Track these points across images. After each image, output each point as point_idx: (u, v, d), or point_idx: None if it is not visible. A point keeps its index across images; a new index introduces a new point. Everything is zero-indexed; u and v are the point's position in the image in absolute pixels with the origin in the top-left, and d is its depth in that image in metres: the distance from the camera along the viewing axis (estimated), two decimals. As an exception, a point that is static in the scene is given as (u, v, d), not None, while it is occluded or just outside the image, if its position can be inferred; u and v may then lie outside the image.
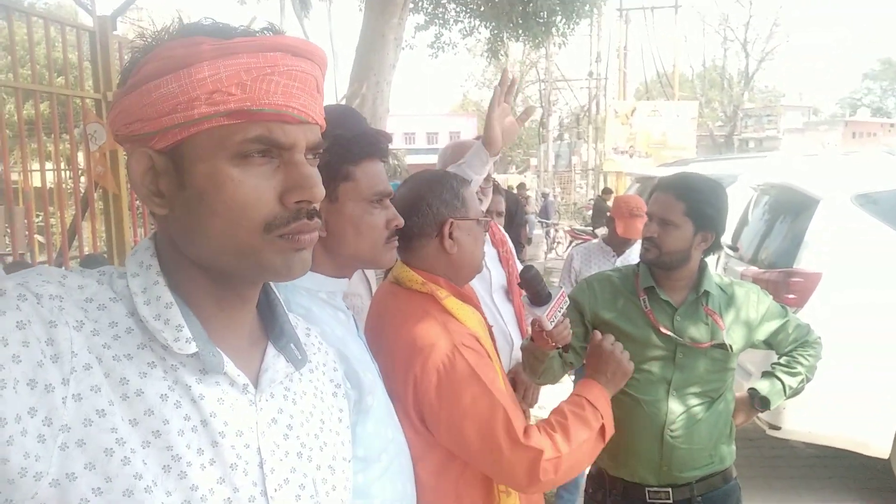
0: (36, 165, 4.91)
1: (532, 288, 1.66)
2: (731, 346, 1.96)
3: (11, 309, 0.60)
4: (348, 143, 1.25)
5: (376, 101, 8.15)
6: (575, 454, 1.41)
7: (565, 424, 1.43)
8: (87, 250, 5.17)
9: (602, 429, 1.48)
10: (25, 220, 4.74)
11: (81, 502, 0.61)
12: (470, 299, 1.61)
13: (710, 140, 34.60)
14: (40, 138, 4.72)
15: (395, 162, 15.08)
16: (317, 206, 0.72)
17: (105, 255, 4.98)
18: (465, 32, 9.25)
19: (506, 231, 2.75)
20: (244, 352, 0.77)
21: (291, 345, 0.81)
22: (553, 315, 1.65)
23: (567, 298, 1.71)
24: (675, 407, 1.95)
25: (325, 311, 1.20)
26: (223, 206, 0.68)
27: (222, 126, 0.68)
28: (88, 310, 0.67)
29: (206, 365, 0.70)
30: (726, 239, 4.88)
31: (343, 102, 8.89)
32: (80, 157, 5.09)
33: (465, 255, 1.55)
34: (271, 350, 0.80)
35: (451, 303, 1.49)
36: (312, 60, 0.72)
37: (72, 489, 0.61)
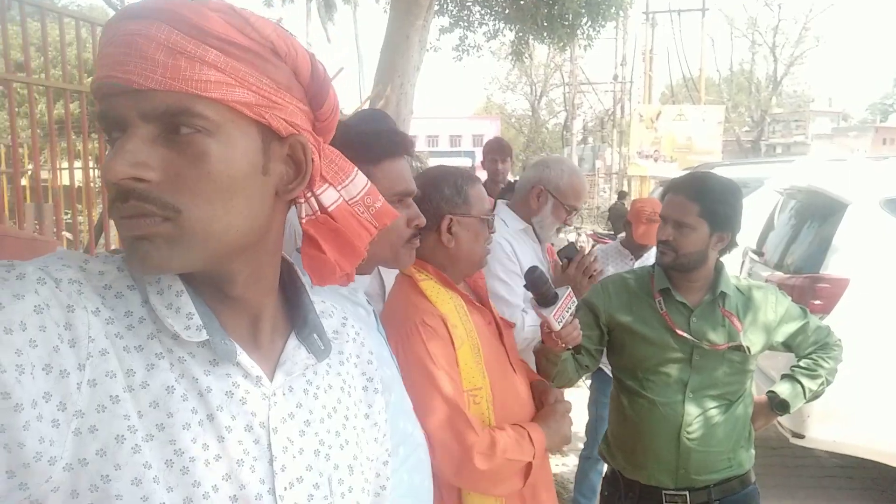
0: (66, 164, 5.03)
1: (537, 289, 1.65)
2: (748, 348, 1.93)
3: (30, 293, 0.59)
4: (368, 143, 1.21)
5: (400, 104, 8.18)
6: (502, 465, 1.42)
7: (504, 435, 1.45)
8: (113, 246, 5.27)
9: (528, 467, 1.47)
10: (54, 217, 4.84)
11: (91, 488, 0.60)
12: (473, 293, 1.64)
13: (737, 145, 34.19)
14: (70, 137, 4.82)
15: (419, 164, 15.14)
16: (138, 186, 0.61)
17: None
18: (489, 35, 9.24)
19: None
20: (263, 343, 0.74)
21: (315, 335, 0.77)
22: (560, 315, 1.64)
23: (574, 298, 1.70)
24: (692, 409, 1.92)
25: (344, 306, 1.20)
26: None
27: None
28: (106, 297, 0.65)
29: (217, 354, 0.68)
30: (751, 244, 4.84)
31: (367, 104, 8.94)
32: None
33: (462, 250, 1.60)
34: (293, 341, 0.76)
35: (428, 285, 1.54)
36: (152, 17, 0.62)
37: (83, 474, 0.60)
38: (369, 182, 0.83)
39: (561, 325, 1.64)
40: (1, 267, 0.61)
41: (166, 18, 0.61)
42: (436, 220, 1.56)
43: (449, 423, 1.40)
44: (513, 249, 2.42)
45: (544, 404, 1.66)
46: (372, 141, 1.23)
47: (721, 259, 2.00)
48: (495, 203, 2.61)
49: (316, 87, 0.71)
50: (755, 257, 4.65)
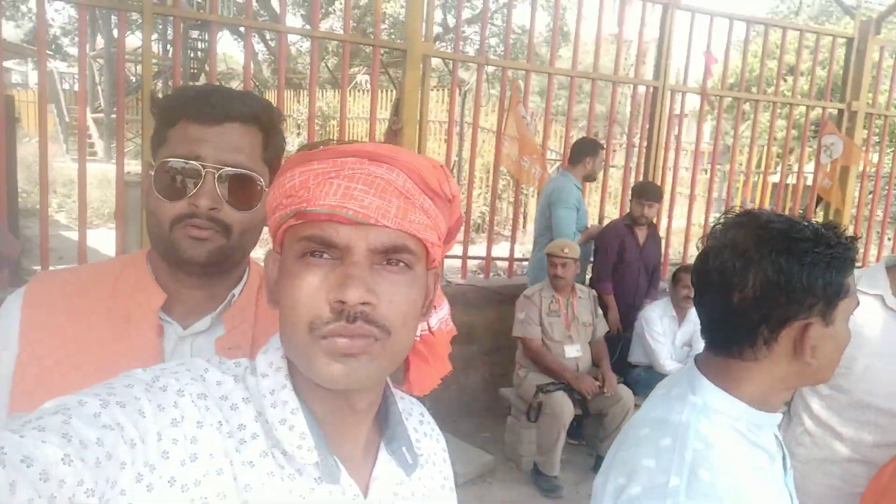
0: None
1: None
2: None
3: (170, 406, 0.66)
4: (845, 246, 0.99)
5: None
6: None
7: None
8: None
9: None
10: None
11: None
12: None
13: None
14: (787, 149, 4.91)
15: None
16: (365, 309, 0.66)
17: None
18: None
19: None
20: (358, 458, 0.77)
21: (403, 448, 0.80)
22: None
23: None
24: None
25: (737, 447, 1.01)
26: (284, 302, 0.70)
27: (292, 227, 0.71)
28: (223, 409, 0.70)
29: (322, 473, 0.71)
30: None
31: None
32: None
33: None
34: (383, 454, 0.79)
35: None
36: (392, 165, 0.71)
37: None
38: (448, 308, 0.91)
39: None
40: (147, 374, 0.69)
41: (403, 168, 0.71)
42: None
43: None
44: None
45: None
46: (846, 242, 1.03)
47: None
48: None
49: (456, 228, 0.81)
50: None
